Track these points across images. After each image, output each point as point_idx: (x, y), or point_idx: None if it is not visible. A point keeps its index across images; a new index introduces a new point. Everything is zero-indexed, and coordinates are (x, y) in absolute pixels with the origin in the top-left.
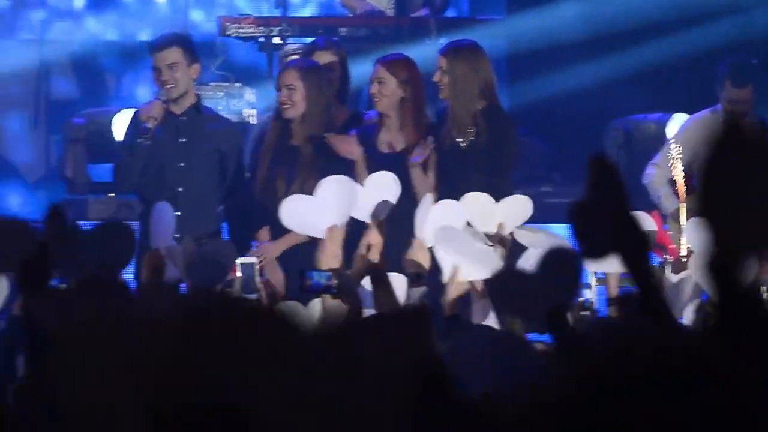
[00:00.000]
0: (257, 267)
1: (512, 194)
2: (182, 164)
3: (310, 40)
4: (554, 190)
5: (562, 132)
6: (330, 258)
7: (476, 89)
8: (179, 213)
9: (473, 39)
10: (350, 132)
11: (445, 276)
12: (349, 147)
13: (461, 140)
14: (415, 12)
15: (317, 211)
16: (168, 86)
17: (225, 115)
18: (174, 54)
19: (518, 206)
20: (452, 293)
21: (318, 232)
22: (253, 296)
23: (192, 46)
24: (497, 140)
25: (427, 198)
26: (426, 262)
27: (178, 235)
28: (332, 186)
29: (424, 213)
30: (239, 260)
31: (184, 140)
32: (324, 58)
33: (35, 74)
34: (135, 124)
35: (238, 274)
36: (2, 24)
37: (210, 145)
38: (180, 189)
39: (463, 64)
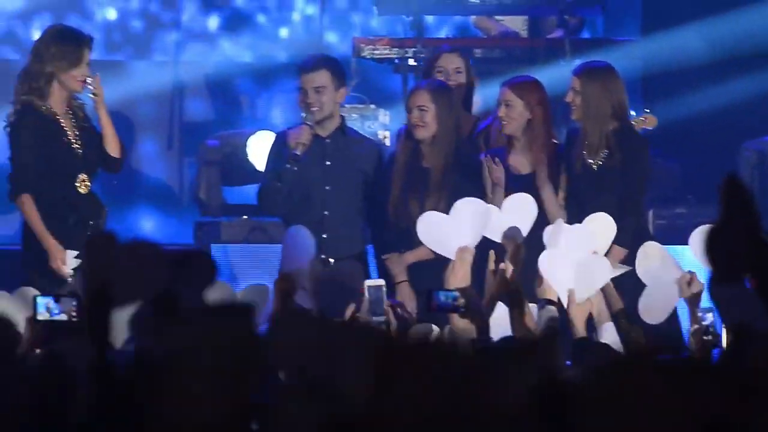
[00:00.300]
0: (385, 289)
1: (642, 215)
2: (328, 188)
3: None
4: (688, 212)
5: (696, 153)
6: (459, 279)
7: (608, 110)
8: (325, 236)
9: (607, 60)
10: (482, 155)
11: (564, 300)
12: (498, 174)
13: (593, 161)
14: (549, 33)
15: (450, 231)
16: (313, 109)
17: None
18: (322, 77)
19: (601, 227)
20: (576, 316)
21: (449, 252)
22: (381, 319)
23: (341, 70)
24: (629, 161)
25: (558, 223)
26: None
27: (324, 257)
28: (466, 207)
29: (555, 237)
30: (367, 282)
31: (329, 163)
32: (450, 61)
33: (169, 96)
34: (279, 148)
35: (366, 296)
36: (137, 45)
37: (355, 168)
38: (326, 213)
39: (595, 85)
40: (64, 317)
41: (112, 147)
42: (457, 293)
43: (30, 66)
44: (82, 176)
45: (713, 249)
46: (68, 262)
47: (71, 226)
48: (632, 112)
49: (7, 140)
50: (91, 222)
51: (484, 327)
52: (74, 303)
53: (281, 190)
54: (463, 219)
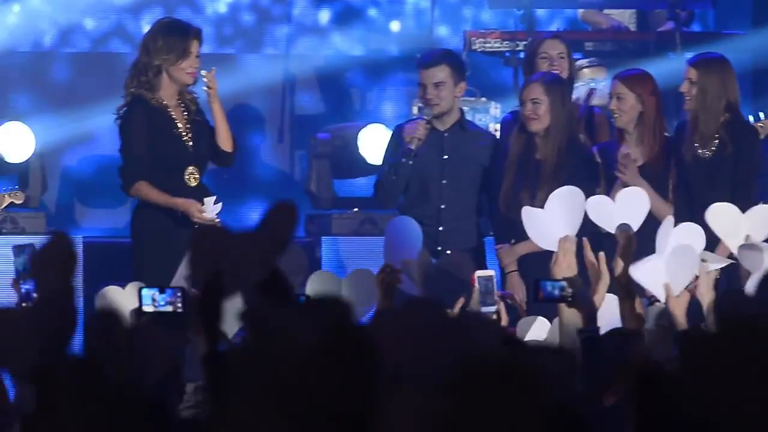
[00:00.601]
0: (496, 280)
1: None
2: (445, 181)
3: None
4: None
5: None
6: (564, 269)
7: (723, 101)
8: (441, 228)
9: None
10: (594, 148)
11: (660, 295)
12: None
13: (704, 152)
14: (659, 26)
15: (547, 222)
16: (432, 104)
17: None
18: (442, 72)
19: (764, 217)
20: (675, 309)
21: (551, 244)
22: (491, 309)
23: (461, 65)
24: (740, 152)
25: (668, 221)
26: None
27: (440, 248)
28: (561, 197)
29: (665, 236)
30: (477, 273)
31: (446, 157)
32: (553, 46)
33: (280, 89)
34: (397, 141)
35: (476, 286)
36: (248, 39)
37: (473, 161)
38: (443, 206)
39: (712, 76)
40: (169, 308)
41: (225, 141)
42: (564, 283)
43: (139, 59)
44: (191, 168)
45: None
46: (208, 208)
47: (179, 219)
48: (750, 117)
49: (118, 133)
50: None
51: (591, 317)
52: (179, 294)
53: (397, 183)
54: (559, 209)
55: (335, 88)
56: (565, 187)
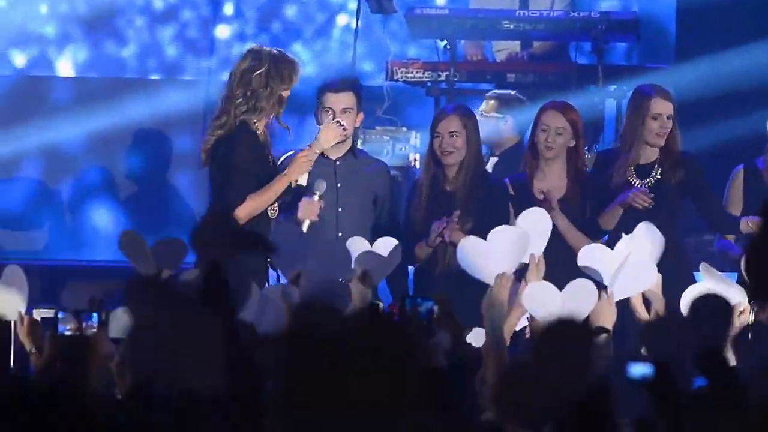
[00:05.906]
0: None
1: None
2: (340, 209)
3: (480, 85)
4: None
5: (725, 180)
6: (496, 306)
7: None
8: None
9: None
10: (505, 180)
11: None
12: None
13: (648, 180)
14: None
15: (488, 257)
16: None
17: (389, 159)
18: (350, 99)
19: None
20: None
21: (487, 278)
22: None
23: (362, 95)
24: (700, 178)
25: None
26: (612, 318)
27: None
28: (504, 234)
29: (618, 267)
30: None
31: (340, 185)
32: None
33: (201, 119)
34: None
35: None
36: (171, 67)
37: (365, 189)
38: (340, 234)
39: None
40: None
41: None
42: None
43: (247, 84)
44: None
45: (753, 266)
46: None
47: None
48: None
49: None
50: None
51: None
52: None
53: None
54: (501, 245)
55: None
56: (508, 226)
